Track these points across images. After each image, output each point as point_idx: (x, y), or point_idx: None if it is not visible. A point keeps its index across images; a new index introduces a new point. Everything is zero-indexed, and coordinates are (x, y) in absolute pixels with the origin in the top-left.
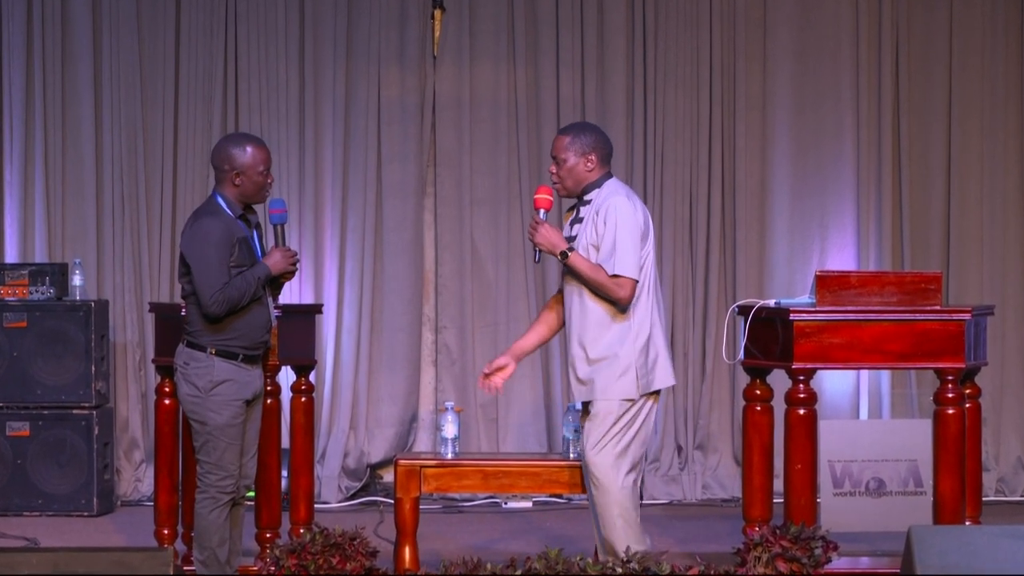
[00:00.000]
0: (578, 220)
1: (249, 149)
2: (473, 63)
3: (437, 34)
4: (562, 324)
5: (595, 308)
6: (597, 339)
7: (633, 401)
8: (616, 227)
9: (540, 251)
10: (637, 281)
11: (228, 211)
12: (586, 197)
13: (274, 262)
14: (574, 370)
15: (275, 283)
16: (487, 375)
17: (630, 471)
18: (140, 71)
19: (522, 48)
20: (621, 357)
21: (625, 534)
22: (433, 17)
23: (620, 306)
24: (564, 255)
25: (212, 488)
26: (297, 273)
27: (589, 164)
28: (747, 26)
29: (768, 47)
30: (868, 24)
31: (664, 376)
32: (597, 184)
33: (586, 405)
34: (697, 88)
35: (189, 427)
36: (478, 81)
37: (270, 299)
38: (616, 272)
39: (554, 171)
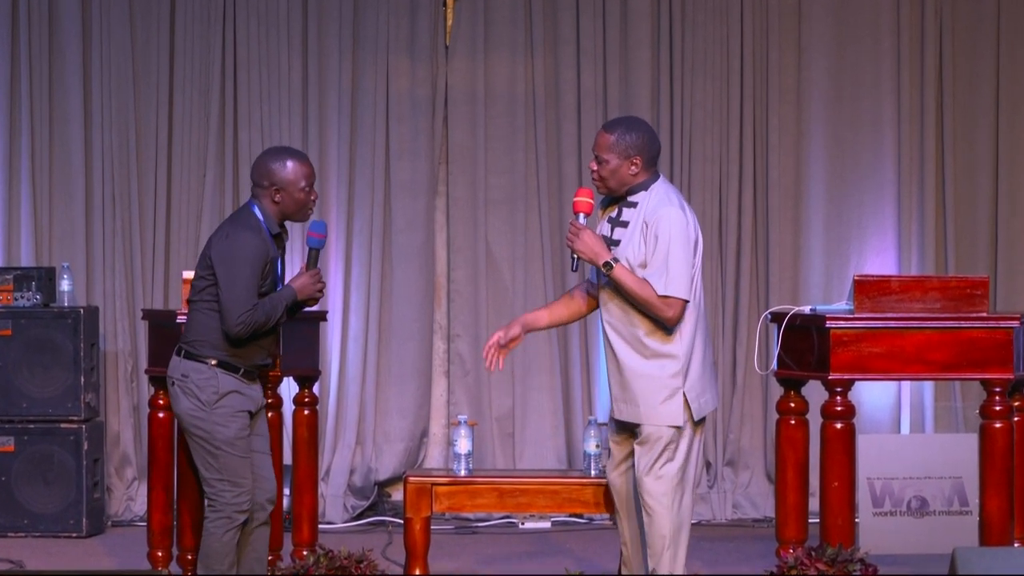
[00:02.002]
0: (620, 224)
1: (290, 164)
2: (488, 53)
3: (450, 22)
4: (579, 316)
5: (644, 324)
6: (643, 357)
7: (680, 428)
8: (670, 242)
9: (579, 259)
10: (688, 301)
11: (266, 229)
12: (631, 199)
13: (301, 285)
14: (618, 387)
15: (297, 306)
16: (501, 346)
17: (683, 498)
18: (132, 61)
19: (540, 37)
20: (667, 380)
21: (670, 567)
22: (445, 4)
23: (667, 327)
24: (608, 267)
25: (228, 507)
26: (319, 300)
27: (634, 168)
28: (781, 13)
29: (803, 36)
30: (910, 11)
31: (710, 401)
32: (643, 186)
33: (627, 424)
34: (727, 80)
35: (185, 444)
36: (493, 73)
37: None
38: (668, 292)
39: (595, 169)
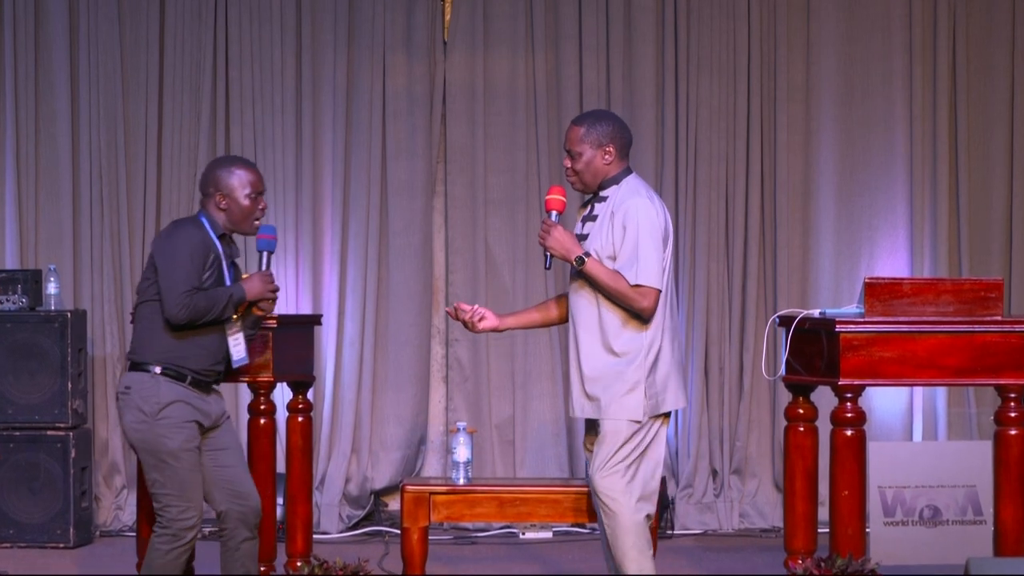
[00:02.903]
0: (590, 218)
1: (236, 171)
2: (488, 49)
3: (448, 17)
4: (559, 321)
5: (611, 318)
6: (608, 352)
7: (640, 423)
8: (638, 232)
9: (552, 257)
10: (660, 291)
11: (210, 230)
12: (602, 193)
13: (251, 286)
14: (580, 383)
15: (249, 318)
16: (475, 319)
17: (641, 499)
18: (121, 58)
19: (541, 32)
20: (629, 373)
21: (639, 566)
22: None
23: (643, 317)
24: (580, 261)
25: (174, 523)
26: (274, 306)
27: (607, 157)
28: (789, 7)
29: (812, 30)
30: (922, 4)
31: (674, 397)
32: (615, 180)
33: (593, 423)
34: (734, 77)
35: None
36: (493, 69)
37: (240, 335)
38: (639, 282)
39: (569, 165)
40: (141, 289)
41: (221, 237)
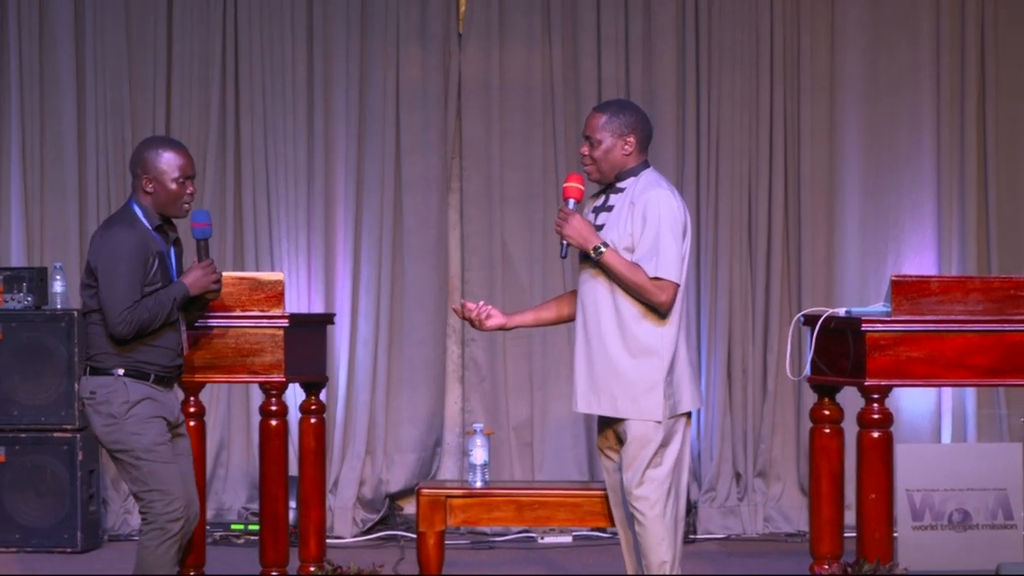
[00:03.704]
0: (605, 209)
1: (165, 154)
2: (503, 41)
3: (463, 8)
4: (570, 319)
5: (627, 312)
6: (623, 347)
7: (661, 422)
8: (659, 223)
9: (568, 245)
10: (679, 285)
11: (144, 221)
12: (619, 184)
13: (192, 280)
14: (588, 377)
15: (197, 303)
16: (482, 317)
17: (672, 504)
18: (128, 51)
19: (558, 24)
20: (647, 372)
21: (672, 568)
22: None
23: (660, 312)
24: (598, 251)
25: (159, 517)
26: (220, 292)
27: (627, 147)
28: None
29: (836, 20)
30: None
31: (691, 397)
32: (633, 172)
33: (609, 422)
34: (757, 68)
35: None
36: (509, 62)
37: (183, 324)
38: (658, 275)
39: (586, 152)
40: (84, 297)
41: (158, 228)
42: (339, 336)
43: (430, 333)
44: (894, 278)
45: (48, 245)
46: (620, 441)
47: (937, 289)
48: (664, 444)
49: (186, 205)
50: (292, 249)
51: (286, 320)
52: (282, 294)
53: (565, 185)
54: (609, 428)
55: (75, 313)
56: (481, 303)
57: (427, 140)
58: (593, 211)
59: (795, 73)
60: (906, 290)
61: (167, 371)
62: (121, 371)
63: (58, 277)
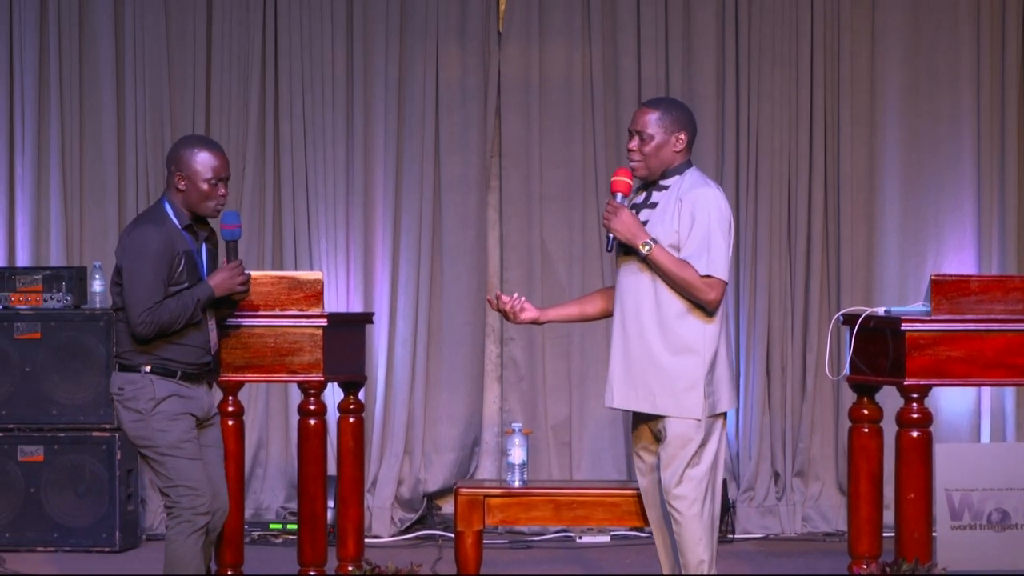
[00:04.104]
0: (648, 205)
1: (200, 153)
2: (543, 40)
3: (503, 7)
4: (605, 315)
5: (670, 308)
6: (664, 343)
7: (701, 421)
8: (709, 222)
9: (615, 240)
10: (727, 284)
11: (174, 220)
12: (663, 182)
13: (218, 282)
14: (629, 373)
15: (226, 302)
16: (516, 309)
17: (709, 503)
18: (167, 49)
19: (598, 23)
20: (689, 369)
21: (709, 568)
22: None
23: (707, 310)
24: (647, 246)
25: (187, 511)
26: (248, 293)
27: (678, 144)
28: None
29: (877, 20)
30: None
31: (729, 397)
32: (678, 170)
33: (644, 418)
34: (797, 68)
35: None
36: (548, 60)
37: (212, 322)
38: (709, 272)
39: (635, 147)
40: (113, 294)
41: (187, 226)
42: (378, 335)
43: (468, 332)
44: (934, 277)
45: (87, 244)
46: (655, 439)
47: (977, 288)
48: (703, 443)
49: (216, 207)
50: (331, 248)
51: (325, 319)
52: (321, 293)
53: (614, 179)
54: (644, 425)
55: (114, 312)
56: (516, 295)
57: (466, 139)
58: (633, 207)
59: (835, 72)
60: (946, 289)
61: (194, 368)
62: (148, 368)
63: (97, 276)
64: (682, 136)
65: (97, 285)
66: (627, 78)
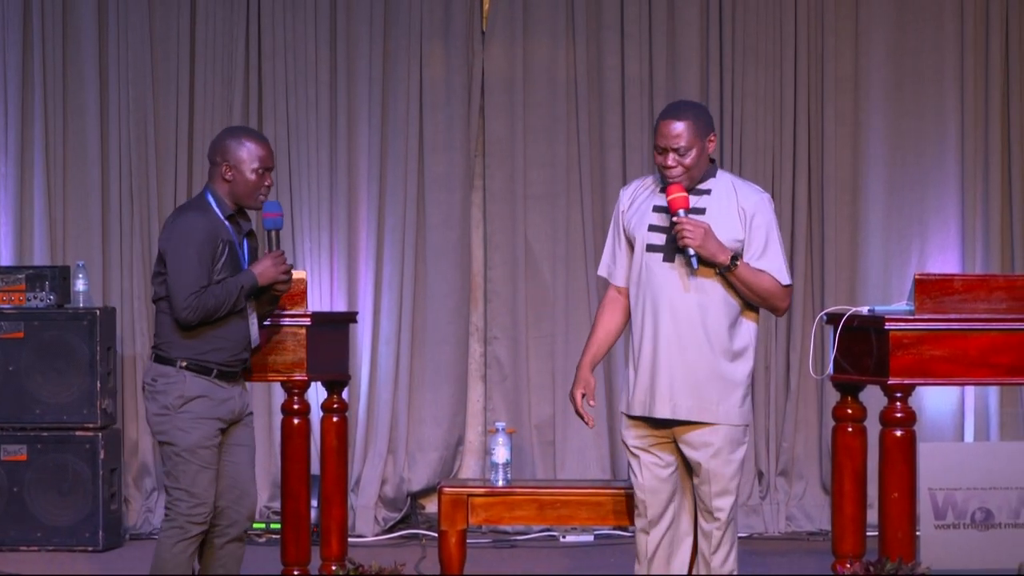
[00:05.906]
0: (695, 211)
1: (247, 143)
2: (527, 39)
3: (486, 6)
4: (619, 333)
5: (717, 314)
6: (712, 349)
7: (748, 426)
8: (774, 230)
9: (697, 257)
10: None
11: (217, 210)
12: (701, 186)
13: (262, 270)
14: (675, 380)
15: (266, 296)
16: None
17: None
18: (151, 49)
19: (582, 22)
20: (737, 375)
21: (735, 566)
22: None
23: (776, 316)
24: (735, 262)
25: (181, 517)
26: (290, 285)
27: (711, 146)
28: None
29: (861, 20)
30: None
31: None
32: (711, 172)
33: (679, 423)
34: (780, 67)
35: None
36: (532, 59)
37: (254, 316)
38: (789, 282)
39: (673, 164)
40: (155, 283)
41: (230, 217)
42: (361, 335)
43: (452, 332)
44: (917, 276)
45: (71, 244)
46: (689, 444)
47: (960, 288)
48: (747, 446)
49: (262, 196)
50: (315, 248)
51: (308, 319)
52: (304, 292)
53: (671, 197)
54: (672, 428)
55: (97, 312)
56: (583, 400)
57: (450, 138)
58: (666, 212)
59: (819, 71)
60: (929, 288)
61: (231, 365)
62: (184, 363)
63: (80, 275)
64: (712, 137)
65: (80, 284)
66: (611, 77)
